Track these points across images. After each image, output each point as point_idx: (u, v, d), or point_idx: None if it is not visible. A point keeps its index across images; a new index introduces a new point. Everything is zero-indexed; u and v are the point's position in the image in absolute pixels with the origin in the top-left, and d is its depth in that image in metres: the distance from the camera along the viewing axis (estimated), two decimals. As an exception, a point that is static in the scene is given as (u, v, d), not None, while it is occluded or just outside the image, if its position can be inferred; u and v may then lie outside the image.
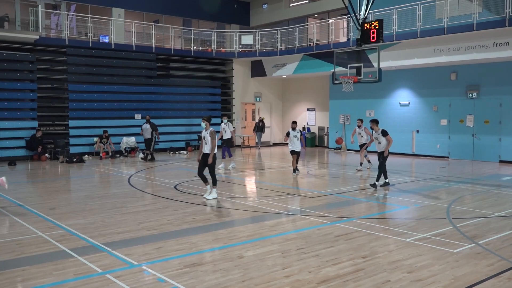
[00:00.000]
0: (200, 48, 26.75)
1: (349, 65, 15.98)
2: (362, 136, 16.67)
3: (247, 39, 26.51)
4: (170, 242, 7.58)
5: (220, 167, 16.92)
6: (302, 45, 24.71)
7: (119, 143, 21.98)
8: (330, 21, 24.59)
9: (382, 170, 12.65)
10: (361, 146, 16.39)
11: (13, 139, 20.07)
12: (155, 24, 25.22)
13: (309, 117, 28.03)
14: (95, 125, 21.96)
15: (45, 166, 18.36)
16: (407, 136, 22.00)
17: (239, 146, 27.12)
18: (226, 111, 27.25)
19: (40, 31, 21.15)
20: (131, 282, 5.76)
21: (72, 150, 20.82)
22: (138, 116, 22.97)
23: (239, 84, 27.72)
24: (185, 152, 23.80)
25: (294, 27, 24.90)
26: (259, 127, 25.98)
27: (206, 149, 11.00)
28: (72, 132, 21.49)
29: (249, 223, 8.96)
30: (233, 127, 18.00)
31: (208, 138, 10.94)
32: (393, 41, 19.72)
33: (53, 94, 21.69)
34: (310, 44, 24.60)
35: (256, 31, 26.61)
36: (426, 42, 19.04)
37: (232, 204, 10.84)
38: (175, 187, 12.87)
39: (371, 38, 14.24)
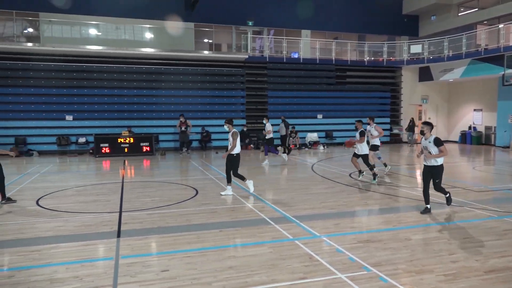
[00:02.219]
0: (373, 58, 25.76)
1: (521, 67, 13.58)
2: (372, 135, 12.51)
3: (416, 48, 24.60)
4: (345, 220, 7.49)
5: (264, 163, 15.49)
6: (469, 50, 21.89)
7: (304, 137, 22.60)
8: (500, 26, 21.22)
9: (440, 191, 8.11)
10: (373, 148, 12.56)
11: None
12: (335, 40, 25.12)
13: (475, 117, 24.74)
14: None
15: (250, 154, 19.84)
16: None
17: (405, 142, 25.39)
18: (394, 112, 25.81)
19: (248, 51, 22.92)
20: (314, 249, 5.85)
21: (269, 142, 22.11)
22: (320, 116, 23.25)
23: (407, 88, 25.88)
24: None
25: (463, 34, 22.18)
26: (410, 127, 23.81)
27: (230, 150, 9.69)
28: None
29: (415, 210, 8.30)
30: (270, 127, 15.86)
31: (231, 139, 9.75)
32: None
33: (256, 99, 23.34)
34: (478, 49, 21.62)
35: (424, 41, 24.49)
36: None
37: (399, 192, 10.21)
38: (350, 175, 12.67)
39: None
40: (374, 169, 11.47)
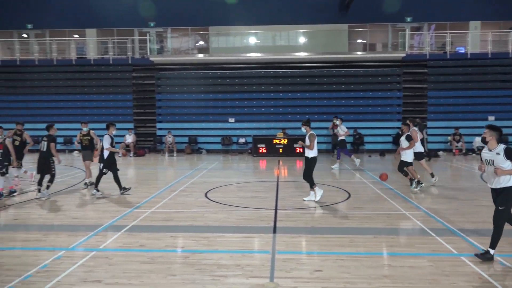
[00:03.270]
0: None
1: None
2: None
3: None
4: (526, 239, 6.41)
5: (334, 167, 14.80)
6: None
7: (472, 142, 20.10)
8: None
9: (504, 222, 5.72)
10: (418, 156, 10.98)
11: (382, 136, 21.30)
12: (513, 30, 21.76)
13: None
14: (449, 126, 20.78)
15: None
16: None
17: None
18: None
19: (406, 49, 21.59)
20: (484, 268, 5.20)
21: (430, 146, 20.33)
22: (491, 118, 20.43)
23: None
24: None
25: None
26: None
27: (306, 153, 9.26)
28: (429, 131, 21.04)
29: None
30: (346, 129, 14.84)
31: (307, 141, 9.22)
32: None
33: (414, 100, 21.77)
34: None
35: None
36: None
37: None
38: (531, 187, 10.75)
39: None
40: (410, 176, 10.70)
